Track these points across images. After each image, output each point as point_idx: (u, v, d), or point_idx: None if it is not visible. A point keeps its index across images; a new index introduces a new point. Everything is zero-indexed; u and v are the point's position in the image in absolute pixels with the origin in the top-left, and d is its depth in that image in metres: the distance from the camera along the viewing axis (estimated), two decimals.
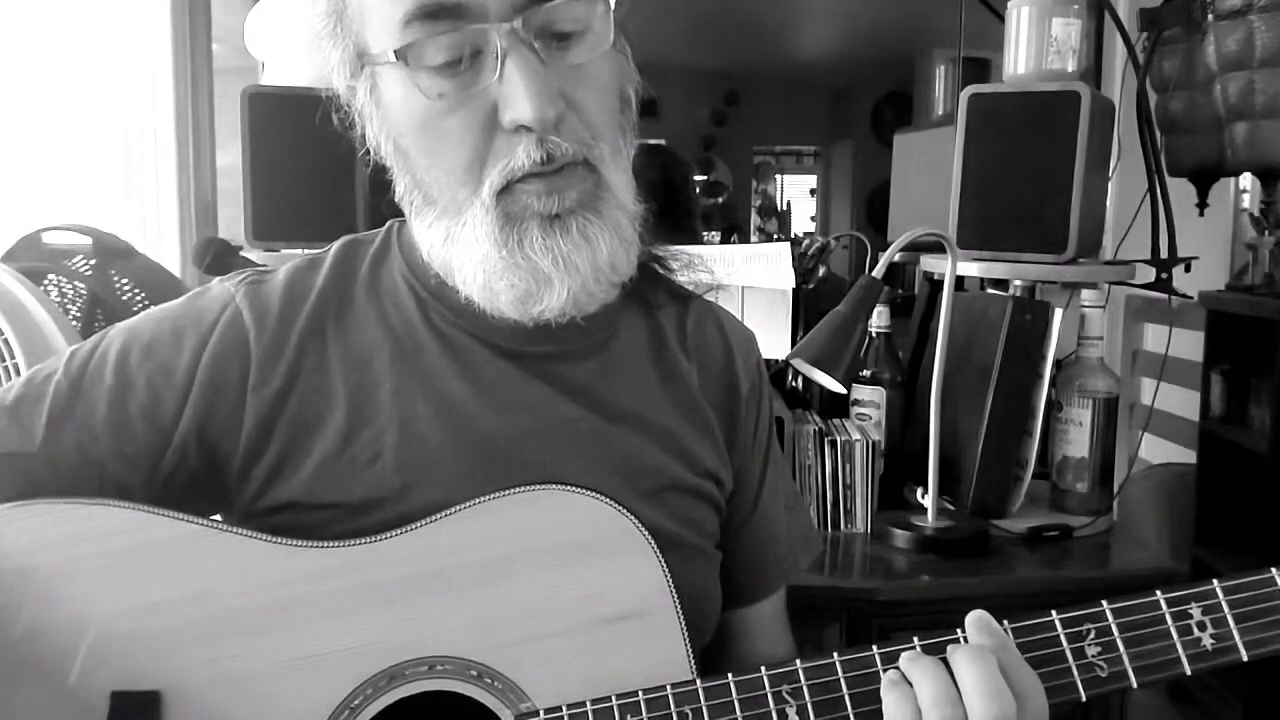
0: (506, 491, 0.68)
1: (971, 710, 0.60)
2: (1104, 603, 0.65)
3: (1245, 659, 0.63)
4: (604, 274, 0.71)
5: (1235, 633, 0.64)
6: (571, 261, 0.69)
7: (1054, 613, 0.65)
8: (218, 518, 0.73)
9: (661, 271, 0.86)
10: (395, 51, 0.66)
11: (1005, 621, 0.65)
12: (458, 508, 0.68)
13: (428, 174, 0.71)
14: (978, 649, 0.62)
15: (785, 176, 8.11)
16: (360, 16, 0.69)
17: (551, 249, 0.68)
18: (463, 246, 0.70)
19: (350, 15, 0.70)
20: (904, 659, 0.63)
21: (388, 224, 0.83)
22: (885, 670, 0.63)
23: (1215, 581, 0.65)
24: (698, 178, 6.90)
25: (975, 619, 0.64)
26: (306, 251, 0.82)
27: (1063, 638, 0.64)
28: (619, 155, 0.72)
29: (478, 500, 0.68)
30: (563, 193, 0.68)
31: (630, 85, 0.75)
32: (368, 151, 0.75)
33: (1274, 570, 0.65)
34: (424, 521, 0.68)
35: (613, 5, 0.69)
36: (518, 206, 0.68)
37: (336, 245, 0.81)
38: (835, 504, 1.49)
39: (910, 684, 0.62)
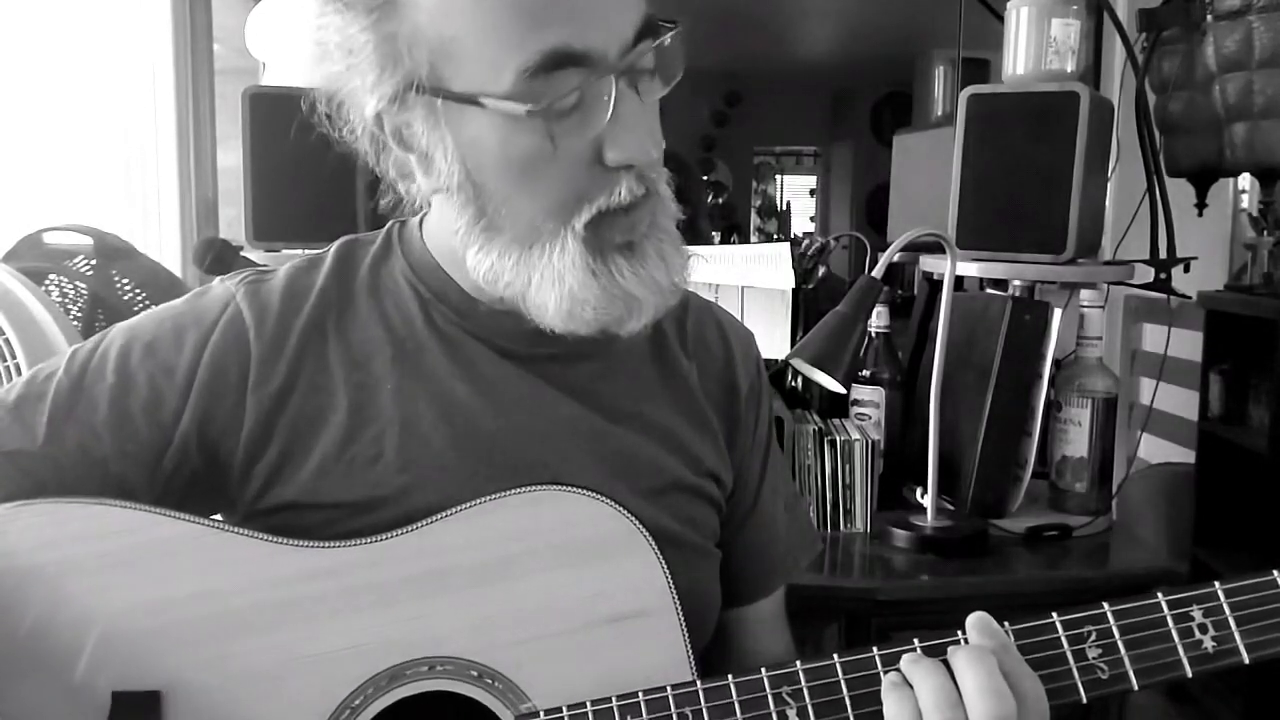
0: (507, 492, 0.68)
1: (972, 711, 0.60)
2: (1105, 604, 0.65)
3: (1247, 661, 0.63)
4: (679, 286, 0.74)
5: (1236, 635, 0.63)
6: (657, 282, 0.71)
7: (1055, 614, 0.65)
8: (219, 517, 0.73)
9: None
10: (510, 95, 0.65)
11: (1006, 623, 0.65)
12: (459, 508, 0.68)
13: (507, 205, 0.70)
14: (978, 650, 0.62)
15: (785, 177, 8.12)
16: (440, 49, 0.66)
17: (639, 275, 0.70)
18: (543, 274, 0.70)
19: (420, 44, 0.66)
20: (905, 661, 0.63)
21: (388, 224, 0.83)
22: (886, 672, 0.63)
23: (1217, 584, 0.65)
24: (702, 178, 6.89)
25: (976, 620, 0.64)
26: (307, 251, 0.82)
27: (1064, 639, 0.64)
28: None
29: (479, 500, 0.68)
30: (640, 223, 0.70)
31: None
32: (366, 155, 0.74)
33: (1276, 573, 0.65)
34: (425, 522, 0.68)
35: (681, 33, 0.70)
36: (600, 238, 0.69)
37: (336, 245, 0.81)
38: (835, 504, 1.49)
39: (910, 686, 0.62)
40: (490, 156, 0.68)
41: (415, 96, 0.68)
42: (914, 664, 0.63)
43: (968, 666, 0.61)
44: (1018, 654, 0.63)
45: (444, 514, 0.68)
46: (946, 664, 0.62)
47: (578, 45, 0.64)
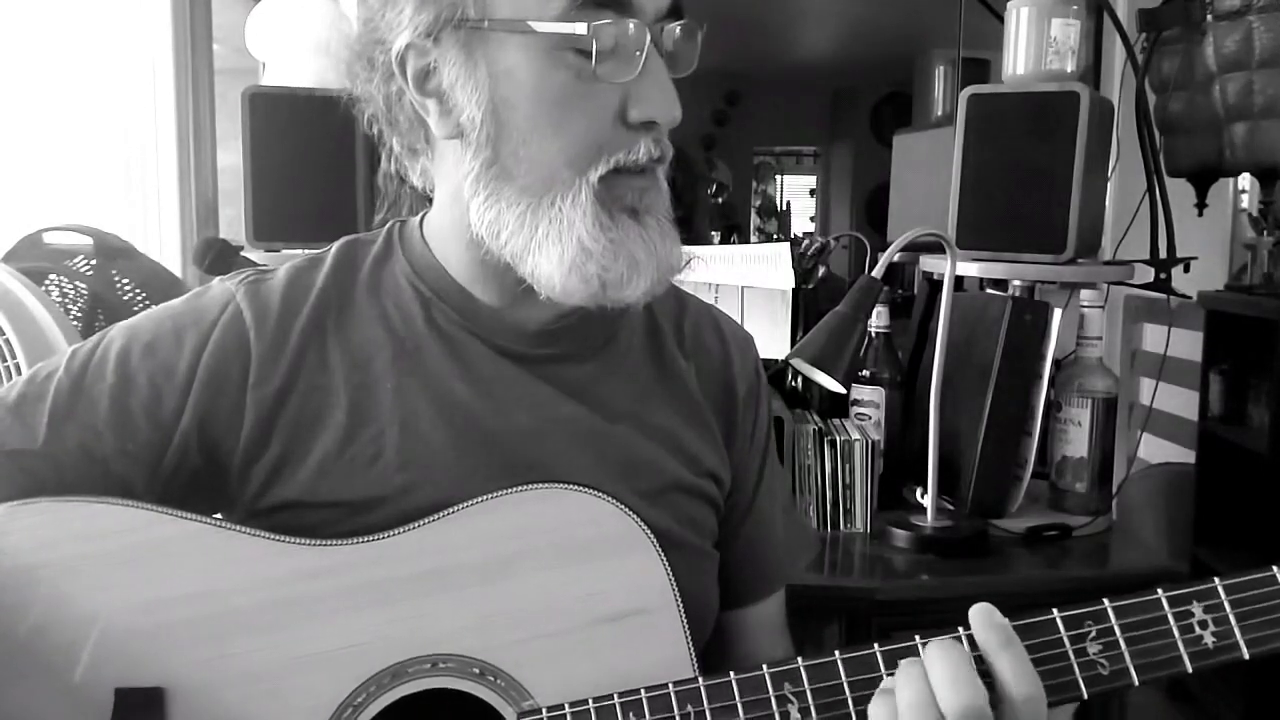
0: (509, 490, 0.68)
1: (943, 703, 0.59)
2: (1105, 600, 0.65)
3: (1246, 657, 0.63)
4: (673, 270, 0.74)
5: (1237, 630, 0.63)
6: (660, 253, 0.72)
7: (1055, 611, 0.64)
8: (220, 516, 0.73)
9: None
10: (557, 28, 0.67)
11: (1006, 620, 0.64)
12: (460, 506, 0.68)
13: (525, 147, 0.70)
14: (949, 642, 0.61)
15: (785, 177, 8.12)
16: None
17: (644, 238, 0.71)
18: (551, 224, 0.70)
19: None
20: (902, 665, 0.62)
21: (389, 224, 0.83)
22: (889, 674, 0.63)
23: (1217, 580, 0.65)
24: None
25: (979, 611, 0.63)
26: (307, 251, 0.82)
27: (1064, 637, 0.64)
28: None
29: (480, 499, 0.68)
30: (647, 191, 0.72)
31: None
32: (373, 154, 0.75)
33: (1275, 569, 0.65)
34: (426, 520, 0.68)
35: (703, 29, 0.72)
36: (613, 194, 0.70)
37: (337, 245, 0.82)
38: (835, 504, 1.49)
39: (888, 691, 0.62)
40: (523, 90, 0.69)
41: (451, 31, 0.69)
42: (905, 665, 0.62)
43: (936, 659, 0.60)
44: (1022, 648, 0.62)
45: (445, 513, 0.68)
46: None
47: None
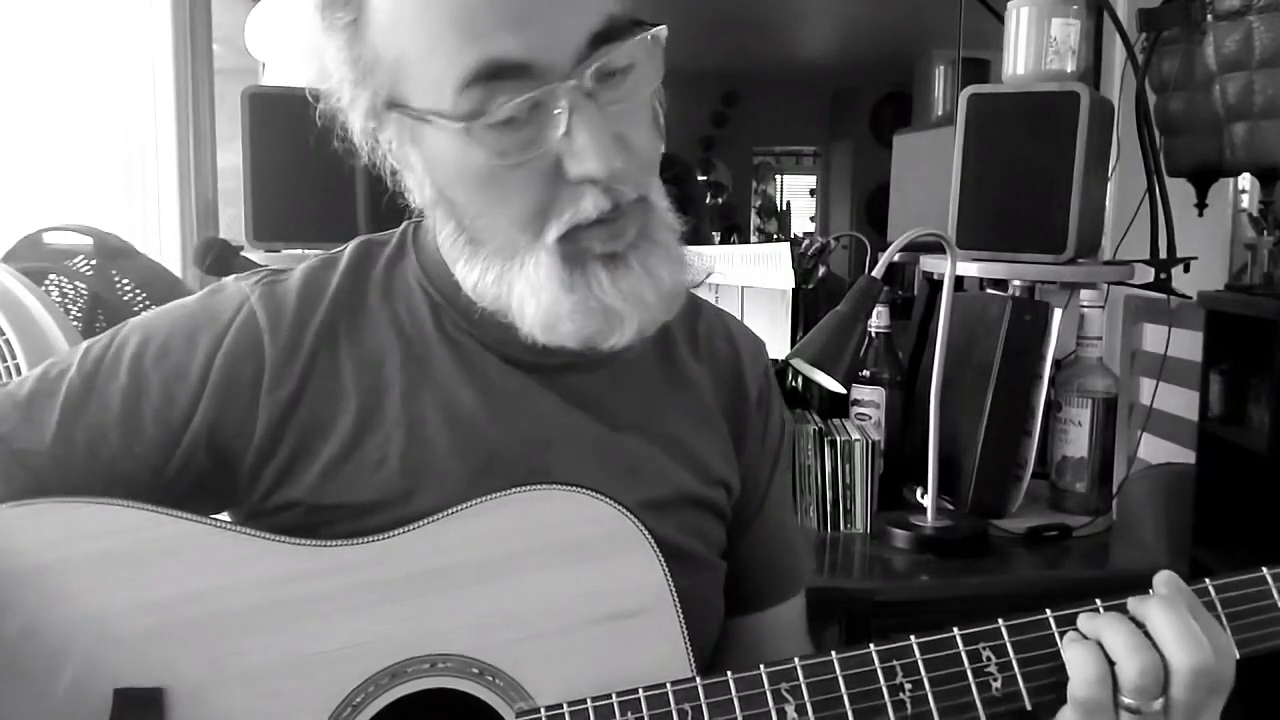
0: (508, 491, 0.68)
1: (1172, 660, 0.59)
2: (1097, 600, 0.65)
3: (1238, 656, 0.64)
4: (668, 300, 0.71)
5: (1228, 630, 0.64)
6: (641, 297, 0.69)
7: (1048, 610, 0.65)
8: (223, 516, 0.73)
9: None
10: (451, 114, 0.64)
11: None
12: (460, 507, 0.68)
13: (479, 221, 0.69)
14: (1170, 599, 0.62)
15: (785, 177, 8.12)
16: (396, 68, 0.66)
17: (620, 289, 0.68)
18: (523, 287, 0.69)
19: (381, 64, 0.67)
20: (1082, 618, 0.63)
21: (403, 225, 0.82)
22: (884, 671, 0.63)
23: (1208, 580, 0.66)
24: (699, 178, 6.89)
25: (1165, 577, 0.64)
26: (307, 252, 0.82)
27: (1055, 635, 0.64)
28: (657, 172, 0.72)
29: (479, 500, 0.68)
30: (623, 234, 0.68)
31: (658, 99, 0.74)
32: (374, 165, 0.74)
33: (1264, 569, 0.65)
34: (426, 521, 0.68)
35: (663, 39, 0.68)
36: (578, 249, 0.68)
37: (352, 245, 0.81)
38: (835, 504, 1.49)
39: (1091, 640, 0.62)
40: (451, 173, 0.68)
41: (386, 113, 0.68)
42: (1094, 618, 0.63)
43: (1161, 614, 0.61)
44: (1205, 610, 0.63)
45: (445, 513, 0.68)
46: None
47: (514, 56, 0.62)
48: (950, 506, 1.49)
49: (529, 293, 0.69)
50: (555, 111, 0.63)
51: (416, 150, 0.69)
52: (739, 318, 0.92)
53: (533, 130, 0.64)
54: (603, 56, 0.64)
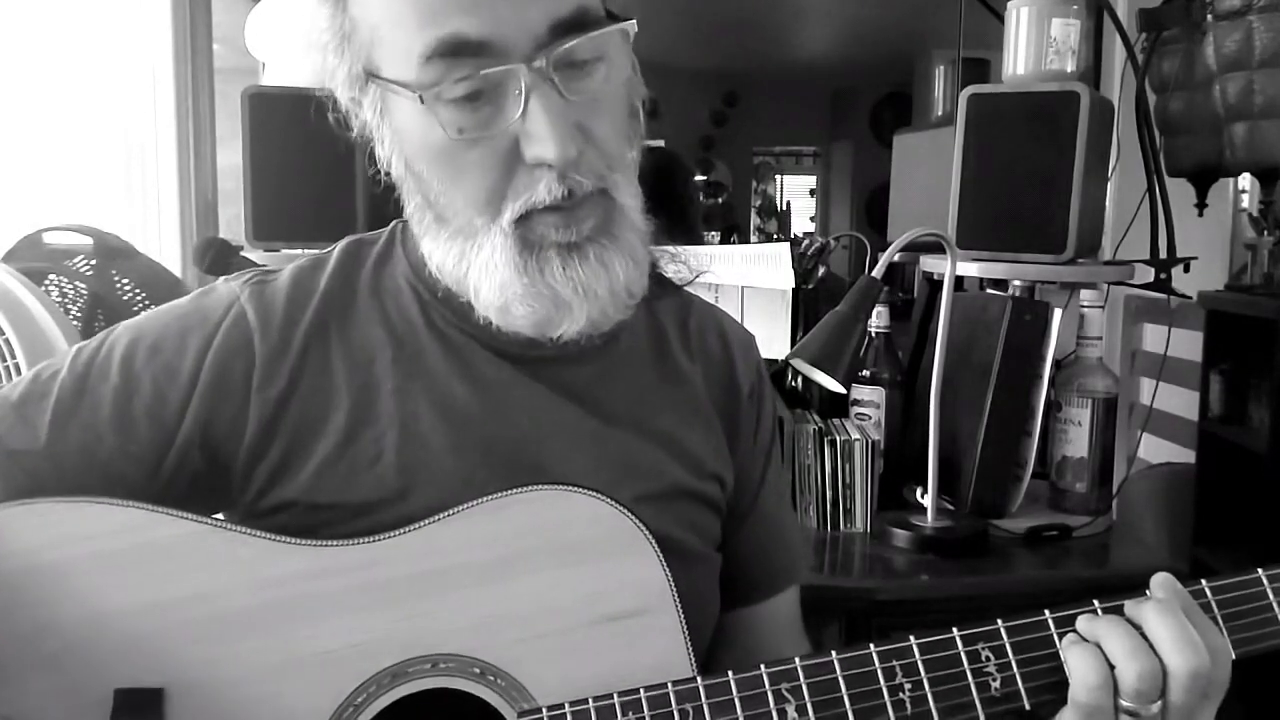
0: (509, 492, 0.68)
1: (1170, 664, 0.60)
2: (1095, 601, 0.65)
3: (1234, 657, 0.65)
4: (620, 297, 0.72)
5: (1224, 631, 0.65)
6: (591, 289, 0.70)
7: (1047, 612, 0.65)
8: (220, 516, 0.73)
9: (662, 273, 0.86)
10: (413, 85, 0.65)
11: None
12: (460, 507, 0.68)
13: (442, 198, 0.71)
14: (1167, 603, 0.62)
15: (785, 177, 8.12)
16: (371, 37, 0.68)
17: (572, 278, 0.69)
18: (479, 268, 0.70)
19: (359, 32, 0.69)
20: (1081, 621, 0.64)
21: (392, 224, 0.83)
22: (884, 671, 0.63)
23: (1204, 581, 0.66)
24: (698, 178, 6.90)
25: (1161, 580, 0.64)
26: (307, 251, 0.82)
27: (1054, 636, 0.64)
28: (629, 172, 0.73)
29: (480, 500, 0.68)
30: (580, 223, 0.69)
31: (638, 97, 0.75)
32: (371, 155, 0.75)
33: (1260, 571, 0.66)
34: (427, 521, 0.68)
35: (631, 34, 0.69)
36: (535, 235, 0.69)
37: (341, 245, 0.81)
38: (835, 504, 1.49)
39: (1091, 643, 0.63)
40: (416, 145, 0.70)
41: (366, 85, 0.70)
42: (1093, 621, 0.63)
43: (1159, 618, 0.62)
44: (1203, 613, 0.64)
45: (445, 514, 0.68)
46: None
47: (474, 34, 0.64)
48: (950, 506, 1.49)
49: (484, 273, 0.70)
50: (515, 93, 0.65)
51: (387, 122, 0.71)
52: (739, 318, 0.92)
53: (490, 109, 0.66)
54: (566, 43, 0.65)
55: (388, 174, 0.74)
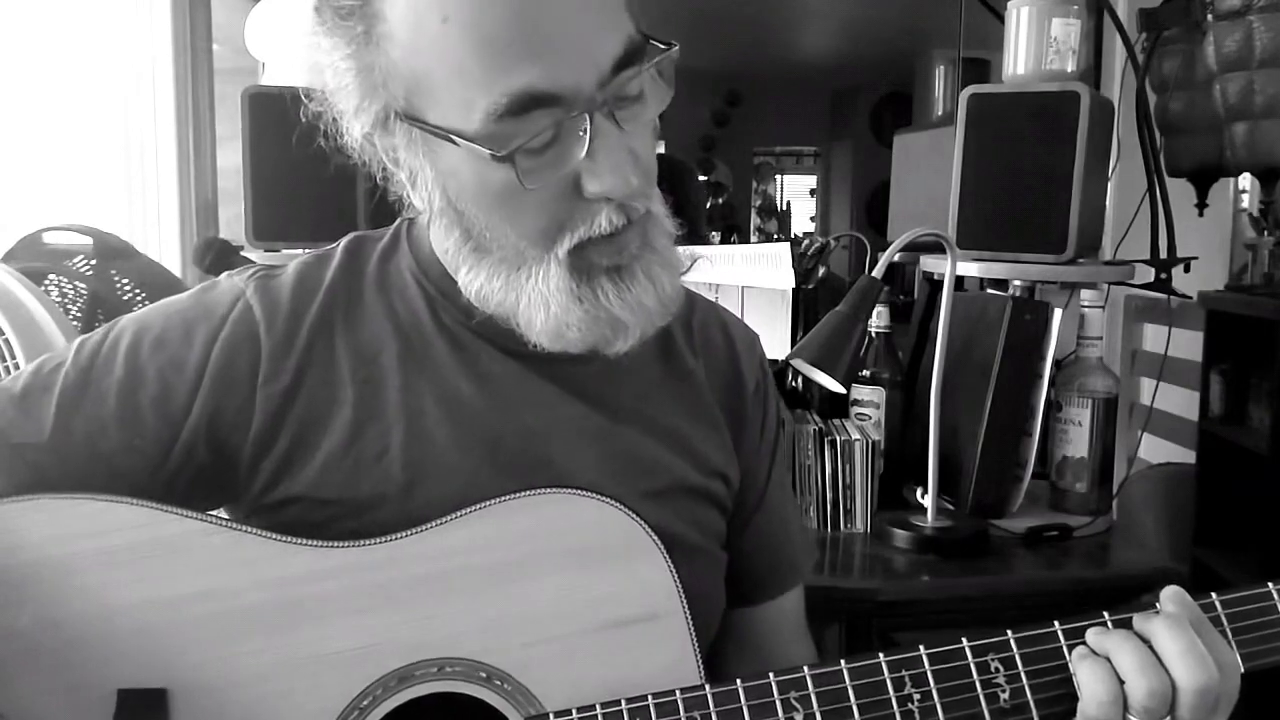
0: (516, 495, 0.68)
1: (1179, 680, 0.61)
2: (1105, 613, 0.66)
3: (1242, 670, 0.65)
4: (668, 306, 0.73)
5: (1233, 644, 0.65)
6: (643, 305, 0.71)
7: (1056, 623, 0.65)
8: (225, 514, 0.73)
9: None
10: (478, 138, 0.64)
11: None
12: (468, 510, 0.68)
13: (489, 231, 0.70)
14: (1176, 618, 0.63)
15: (785, 177, 8.11)
16: (415, 83, 0.66)
17: (624, 298, 0.70)
18: (529, 298, 0.70)
19: (396, 76, 0.66)
20: (1091, 634, 0.64)
21: (396, 221, 0.82)
22: (893, 680, 0.63)
23: (1214, 594, 0.67)
24: (700, 178, 6.89)
25: (1171, 593, 0.65)
26: (307, 251, 0.82)
27: (1064, 648, 0.64)
28: (655, 180, 0.73)
29: (487, 503, 0.68)
30: (628, 246, 0.69)
31: None
32: (364, 164, 0.74)
33: (1270, 585, 0.66)
34: (434, 523, 0.68)
35: (675, 55, 0.68)
36: (586, 262, 0.69)
37: (345, 241, 0.81)
38: (835, 504, 1.49)
39: (1101, 656, 0.63)
40: (467, 188, 0.68)
41: (396, 123, 0.68)
42: (1103, 635, 0.64)
43: (1168, 633, 0.62)
44: (1213, 627, 0.64)
45: (453, 516, 0.68)
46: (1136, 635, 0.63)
47: (547, 86, 0.63)
48: (950, 506, 1.49)
49: (539, 303, 0.70)
50: (579, 133, 0.64)
51: (429, 162, 0.69)
52: (739, 318, 0.92)
53: (557, 152, 0.65)
54: (626, 81, 0.65)
55: (407, 199, 0.73)
